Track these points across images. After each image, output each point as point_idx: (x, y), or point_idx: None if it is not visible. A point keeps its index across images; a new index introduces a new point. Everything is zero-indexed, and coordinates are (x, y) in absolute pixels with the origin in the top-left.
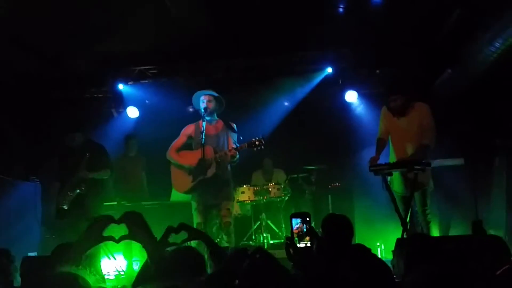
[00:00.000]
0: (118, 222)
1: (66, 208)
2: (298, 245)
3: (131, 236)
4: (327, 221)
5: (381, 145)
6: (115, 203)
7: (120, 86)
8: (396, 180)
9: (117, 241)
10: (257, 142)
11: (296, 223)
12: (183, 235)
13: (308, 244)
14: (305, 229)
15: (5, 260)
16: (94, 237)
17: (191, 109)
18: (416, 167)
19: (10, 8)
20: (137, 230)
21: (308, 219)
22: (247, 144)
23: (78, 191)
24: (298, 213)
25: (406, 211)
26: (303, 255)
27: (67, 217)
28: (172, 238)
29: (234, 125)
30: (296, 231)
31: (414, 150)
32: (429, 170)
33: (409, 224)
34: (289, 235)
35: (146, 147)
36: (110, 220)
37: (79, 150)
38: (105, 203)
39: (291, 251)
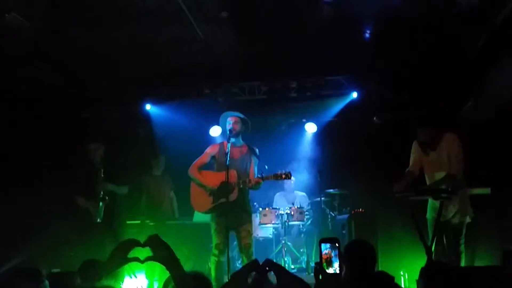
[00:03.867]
0: (143, 245)
1: (100, 221)
2: (327, 271)
3: (155, 258)
4: (350, 247)
5: (409, 176)
6: (139, 221)
7: (148, 107)
8: (430, 207)
9: (142, 262)
10: (283, 176)
11: (325, 248)
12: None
13: (337, 271)
14: (334, 255)
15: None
16: (120, 258)
17: (212, 134)
18: (442, 194)
19: (42, 27)
20: (161, 252)
21: (337, 244)
22: (273, 176)
23: (101, 204)
24: (328, 238)
25: (432, 239)
26: (331, 281)
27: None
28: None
29: (257, 150)
30: (325, 256)
31: (444, 179)
32: (467, 199)
33: (434, 253)
34: (316, 261)
35: (171, 167)
36: (135, 243)
37: (98, 163)
38: (128, 222)
39: (320, 277)
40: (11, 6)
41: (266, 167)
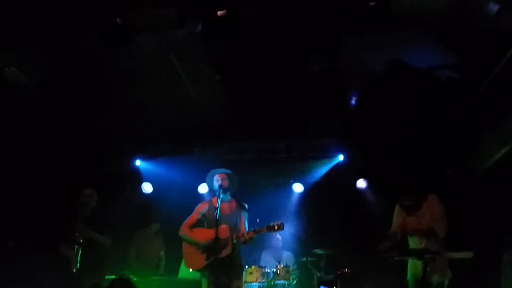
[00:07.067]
0: None
1: (76, 270)
2: None
3: None
4: None
5: (392, 237)
6: (114, 276)
7: (137, 162)
8: (410, 268)
9: None
10: (276, 227)
11: None
12: None
13: None
14: None
15: None
16: None
17: (200, 191)
18: (426, 255)
19: (39, 82)
20: None
21: (335, 287)
22: (266, 228)
23: (78, 249)
24: (327, 280)
25: None
26: None
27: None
28: None
29: (246, 205)
30: None
31: (426, 241)
32: (446, 260)
33: None
34: None
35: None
36: None
37: (89, 210)
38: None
39: None
40: (12, 61)
41: (258, 220)
